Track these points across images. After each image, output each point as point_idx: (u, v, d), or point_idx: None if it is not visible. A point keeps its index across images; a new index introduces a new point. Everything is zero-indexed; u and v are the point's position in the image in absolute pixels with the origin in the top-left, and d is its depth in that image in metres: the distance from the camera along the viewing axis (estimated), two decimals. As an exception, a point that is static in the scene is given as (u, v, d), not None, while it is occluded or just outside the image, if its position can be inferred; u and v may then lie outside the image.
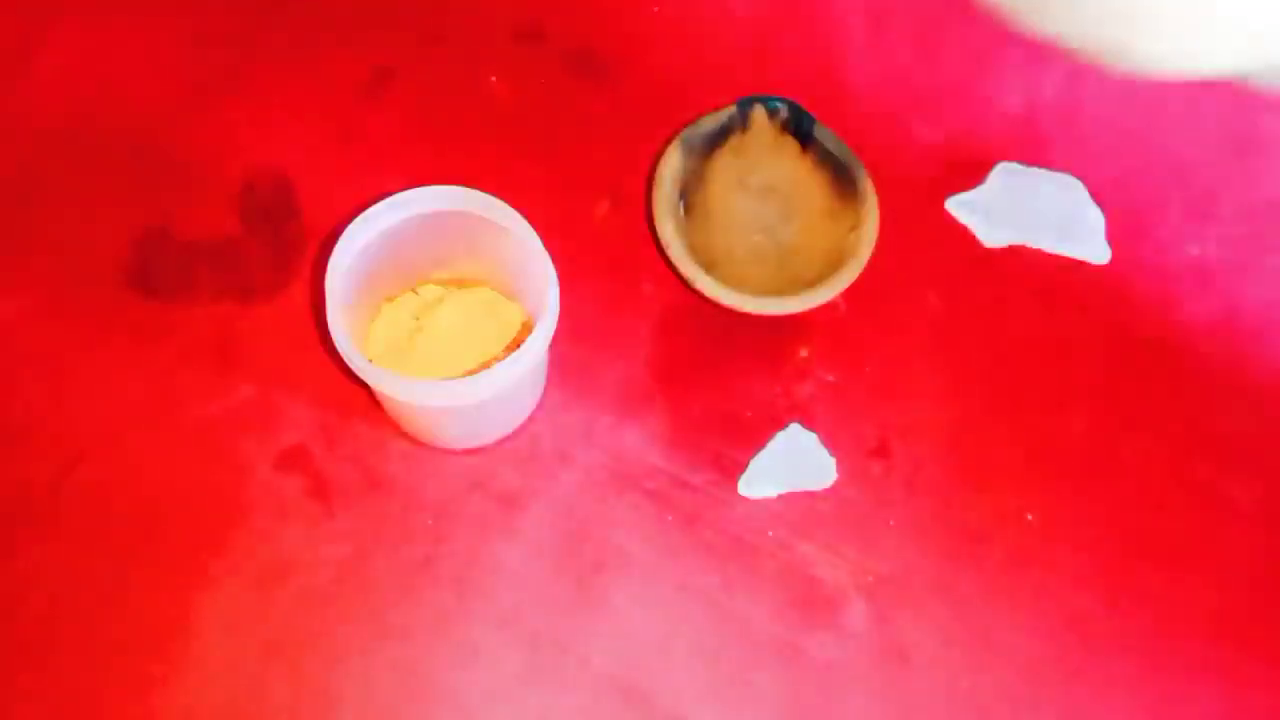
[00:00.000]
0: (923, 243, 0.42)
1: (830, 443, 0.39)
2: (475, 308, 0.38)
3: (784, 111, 0.40)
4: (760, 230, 0.41)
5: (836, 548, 0.38)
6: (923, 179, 0.43)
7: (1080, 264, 0.42)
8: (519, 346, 0.33)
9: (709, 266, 0.39)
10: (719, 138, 0.40)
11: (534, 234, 0.33)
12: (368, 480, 0.37)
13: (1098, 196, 0.42)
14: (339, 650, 0.35)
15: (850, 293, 0.39)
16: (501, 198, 0.33)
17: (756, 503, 0.38)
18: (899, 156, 0.43)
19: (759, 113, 0.40)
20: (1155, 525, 0.39)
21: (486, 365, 0.36)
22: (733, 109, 0.40)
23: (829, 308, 0.41)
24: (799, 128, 0.40)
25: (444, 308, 0.38)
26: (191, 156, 0.42)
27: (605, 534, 0.38)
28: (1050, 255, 0.42)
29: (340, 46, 0.44)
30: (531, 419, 0.39)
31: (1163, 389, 0.41)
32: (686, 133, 0.40)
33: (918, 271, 0.42)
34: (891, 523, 0.38)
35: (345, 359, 0.32)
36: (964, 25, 0.46)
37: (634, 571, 0.37)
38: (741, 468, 0.38)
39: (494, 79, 0.44)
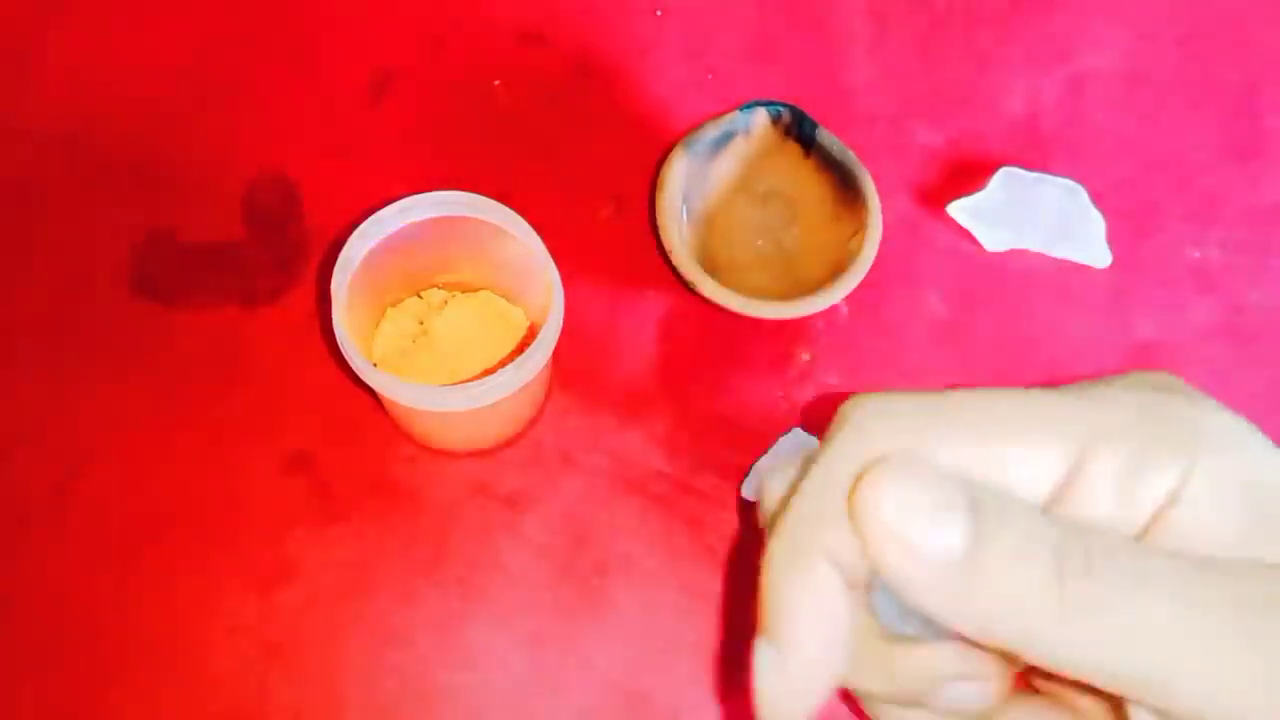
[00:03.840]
0: (925, 247, 0.42)
1: (833, 446, 0.39)
2: (479, 312, 0.38)
3: (786, 116, 0.40)
4: (763, 235, 0.41)
5: (839, 551, 0.38)
6: (925, 183, 0.43)
7: (1082, 268, 0.42)
8: (523, 350, 0.33)
9: (712, 271, 0.39)
10: (722, 142, 0.40)
11: (537, 238, 0.33)
12: (372, 483, 0.38)
13: (1099, 200, 0.42)
14: (343, 653, 0.36)
15: (853, 297, 0.39)
16: (505, 202, 0.34)
17: (758, 506, 0.38)
18: (901, 161, 0.44)
19: (761, 117, 0.40)
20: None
21: (491, 369, 0.36)
22: (735, 113, 0.40)
23: (831, 312, 0.41)
24: (801, 132, 0.40)
25: (447, 312, 0.38)
26: (194, 160, 0.42)
27: (608, 537, 0.38)
28: (1052, 259, 0.42)
29: (342, 49, 0.44)
30: (535, 422, 0.39)
31: (1164, 393, 0.41)
32: (690, 137, 0.40)
33: (920, 276, 0.42)
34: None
35: (350, 363, 0.32)
36: (966, 29, 0.46)
37: (636, 574, 0.37)
38: (744, 471, 0.38)
39: (497, 82, 0.44)
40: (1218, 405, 0.22)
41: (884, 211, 0.39)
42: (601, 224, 0.42)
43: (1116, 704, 0.22)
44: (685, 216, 0.40)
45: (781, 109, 0.40)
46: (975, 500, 0.20)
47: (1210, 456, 0.21)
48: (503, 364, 0.35)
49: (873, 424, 0.21)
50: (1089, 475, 0.22)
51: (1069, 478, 0.22)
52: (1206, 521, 0.21)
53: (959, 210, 0.42)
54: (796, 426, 0.39)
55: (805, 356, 0.41)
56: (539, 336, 0.32)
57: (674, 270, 0.39)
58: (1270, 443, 0.22)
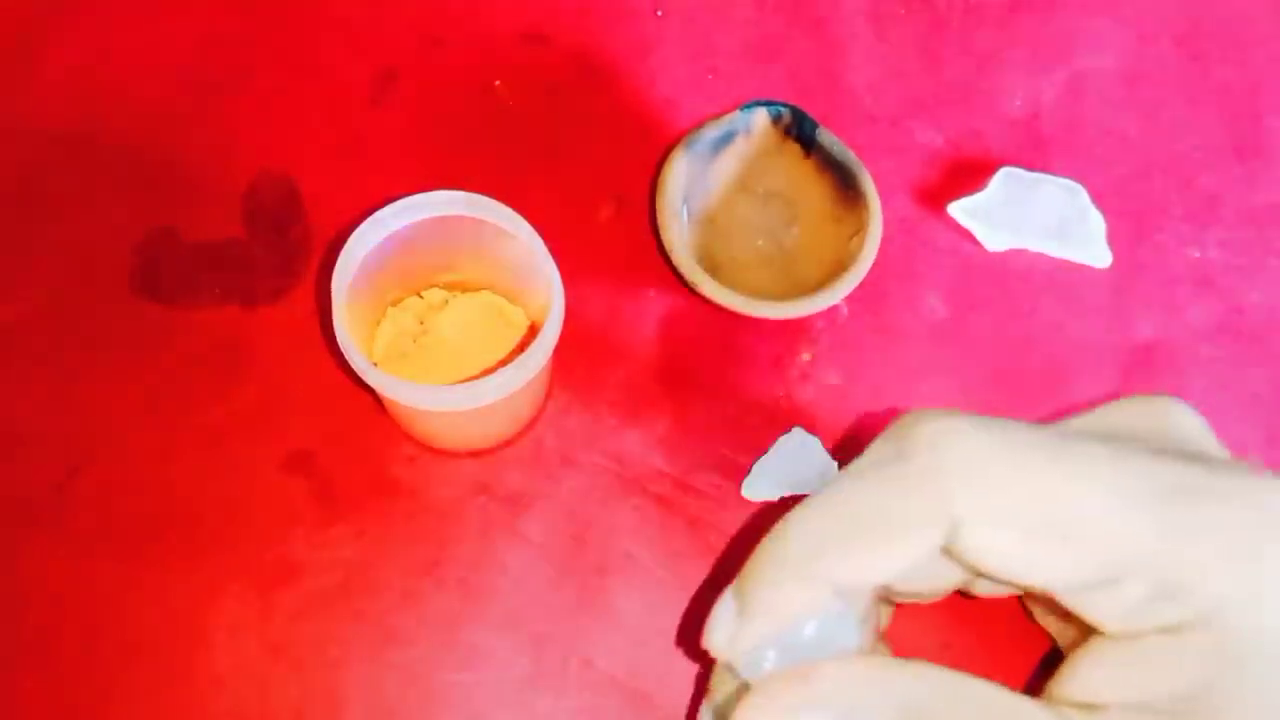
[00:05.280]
0: (925, 247, 0.43)
1: (833, 446, 0.39)
2: (479, 312, 0.38)
3: (787, 116, 0.40)
4: (763, 235, 0.41)
5: (839, 551, 0.38)
6: (925, 183, 0.43)
7: (1082, 268, 0.42)
8: (523, 350, 0.33)
9: (713, 270, 0.39)
10: (723, 142, 0.40)
11: (538, 238, 0.33)
12: (373, 483, 0.38)
13: (1099, 200, 0.42)
14: (344, 653, 0.36)
15: (853, 297, 0.39)
16: (505, 201, 0.34)
17: (759, 506, 0.38)
18: (901, 161, 0.44)
19: (762, 117, 0.40)
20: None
21: (491, 369, 0.36)
22: (736, 113, 0.40)
23: (832, 312, 0.41)
24: (802, 132, 0.40)
25: (448, 312, 0.38)
26: (195, 160, 0.42)
27: (608, 537, 0.38)
28: (1052, 259, 0.42)
29: (343, 49, 0.44)
30: (535, 422, 0.39)
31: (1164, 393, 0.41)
32: (690, 137, 0.40)
33: (920, 276, 0.42)
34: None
35: (350, 363, 0.32)
36: (966, 29, 0.46)
37: (637, 574, 0.37)
38: (744, 471, 0.38)
39: (498, 82, 0.44)
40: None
41: (884, 211, 0.39)
42: (601, 224, 0.42)
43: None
44: (685, 216, 0.40)
45: (782, 109, 0.40)
46: None
47: (1230, 619, 0.23)
48: (503, 364, 0.35)
49: (934, 496, 0.24)
50: (1114, 590, 0.24)
51: (1099, 583, 0.24)
52: (1165, 667, 0.24)
53: (959, 210, 0.42)
54: (797, 426, 0.39)
55: (805, 356, 0.41)
56: (539, 336, 0.32)
57: (674, 270, 0.39)
58: None
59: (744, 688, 0.26)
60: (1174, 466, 0.24)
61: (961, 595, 0.33)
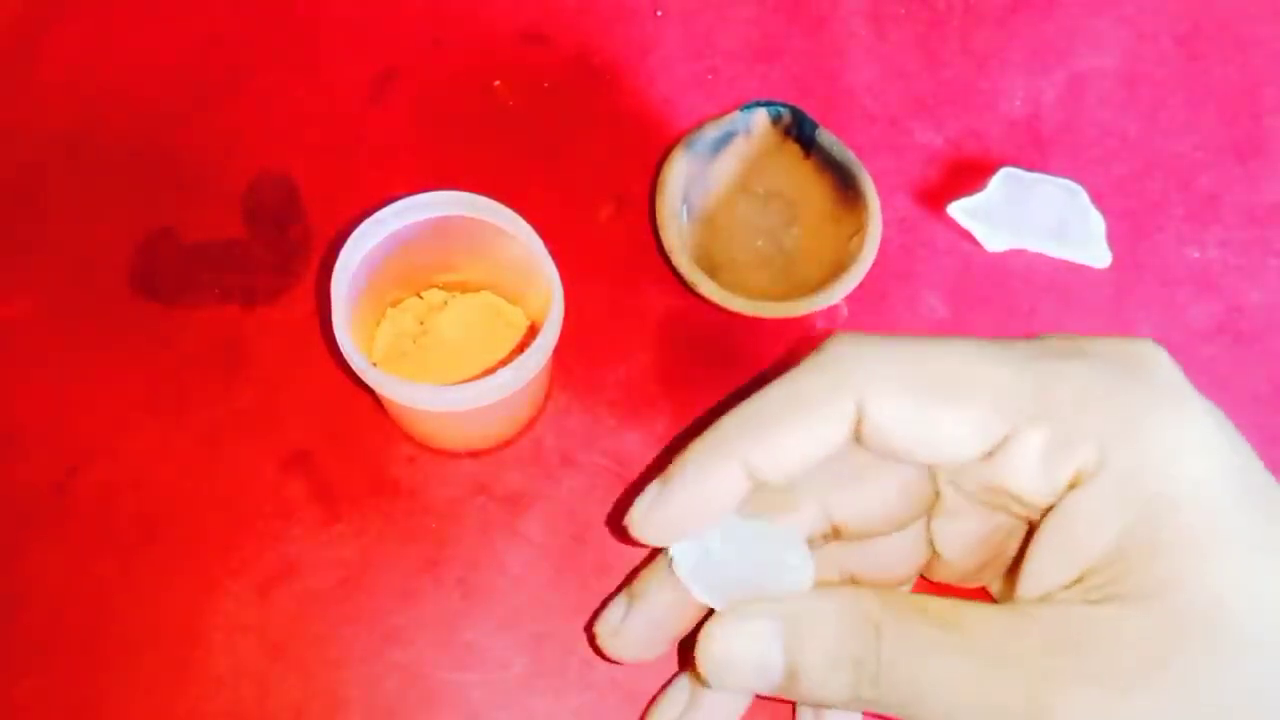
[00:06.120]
0: (925, 247, 0.43)
1: (833, 446, 0.39)
2: (479, 312, 0.38)
3: (787, 116, 0.40)
4: (763, 235, 0.41)
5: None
6: (925, 183, 0.43)
7: (1082, 268, 0.42)
8: (523, 350, 0.33)
9: (712, 271, 0.39)
10: (723, 142, 0.40)
11: (537, 238, 0.33)
12: (372, 483, 0.38)
13: (1099, 200, 0.42)
14: (344, 653, 0.36)
15: (853, 297, 0.39)
16: (505, 201, 0.34)
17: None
18: (901, 161, 0.44)
19: (762, 117, 0.40)
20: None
21: (491, 369, 0.36)
22: (736, 113, 0.40)
23: (831, 312, 0.41)
24: (801, 132, 0.40)
25: (447, 312, 0.38)
26: (194, 159, 0.42)
27: (608, 537, 0.38)
28: (1052, 259, 0.42)
29: (343, 49, 0.44)
30: (534, 422, 0.39)
31: (1164, 393, 0.41)
32: (690, 137, 0.40)
33: (920, 276, 0.42)
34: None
35: (350, 363, 0.32)
36: (966, 29, 0.46)
37: (637, 575, 0.37)
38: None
39: (498, 82, 0.44)
40: (1179, 393, 0.26)
41: (884, 211, 0.39)
42: (601, 224, 0.42)
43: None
44: (685, 216, 0.40)
45: (782, 109, 0.40)
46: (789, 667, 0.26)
47: (1122, 458, 0.25)
48: (503, 364, 0.35)
49: (834, 374, 0.27)
50: (1017, 447, 0.26)
51: (1001, 442, 0.26)
52: (1084, 523, 0.25)
53: (959, 210, 0.42)
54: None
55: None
56: (539, 336, 0.32)
57: (674, 270, 0.39)
58: (1225, 446, 0.26)
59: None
60: (1040, 340, 0.28)
61: (926, 578, 0.34)
